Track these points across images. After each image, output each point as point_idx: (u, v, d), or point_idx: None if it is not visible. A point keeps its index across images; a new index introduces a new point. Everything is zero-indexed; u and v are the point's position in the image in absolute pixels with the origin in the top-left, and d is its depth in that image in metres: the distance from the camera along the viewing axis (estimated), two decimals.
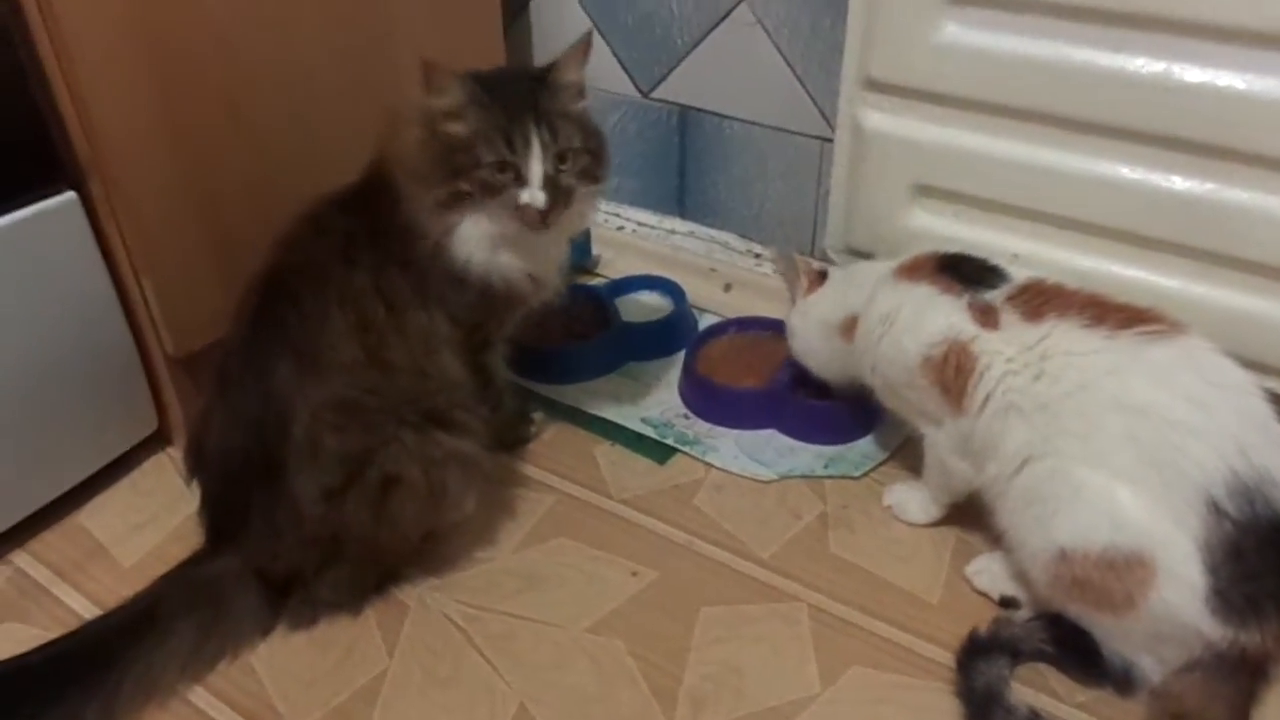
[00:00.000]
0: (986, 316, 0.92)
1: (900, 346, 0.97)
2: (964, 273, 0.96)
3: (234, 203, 1.10)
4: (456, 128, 0.92)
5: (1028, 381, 0.88)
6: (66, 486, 1.10)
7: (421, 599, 1.01)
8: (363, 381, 0.94)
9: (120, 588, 0.98)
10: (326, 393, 0.92)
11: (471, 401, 1.00)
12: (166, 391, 1.15)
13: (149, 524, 1.10)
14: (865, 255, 1.20)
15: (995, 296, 0.93)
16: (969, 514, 1.02)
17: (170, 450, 1.19)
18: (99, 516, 1.11)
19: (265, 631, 0.97)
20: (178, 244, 1.06)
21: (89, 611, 0.99)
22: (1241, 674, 0.83)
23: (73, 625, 0.94)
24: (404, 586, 1.02)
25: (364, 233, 0.97)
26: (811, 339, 1.12)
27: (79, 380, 1.06)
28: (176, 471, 1.16)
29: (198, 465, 0.99)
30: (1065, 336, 0.88)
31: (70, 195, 1.01)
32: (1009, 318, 0.91)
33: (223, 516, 0.98)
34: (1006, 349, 0.90)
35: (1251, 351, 0.97)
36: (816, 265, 1.14)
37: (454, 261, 0.96)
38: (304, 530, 0.93)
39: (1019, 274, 0.95)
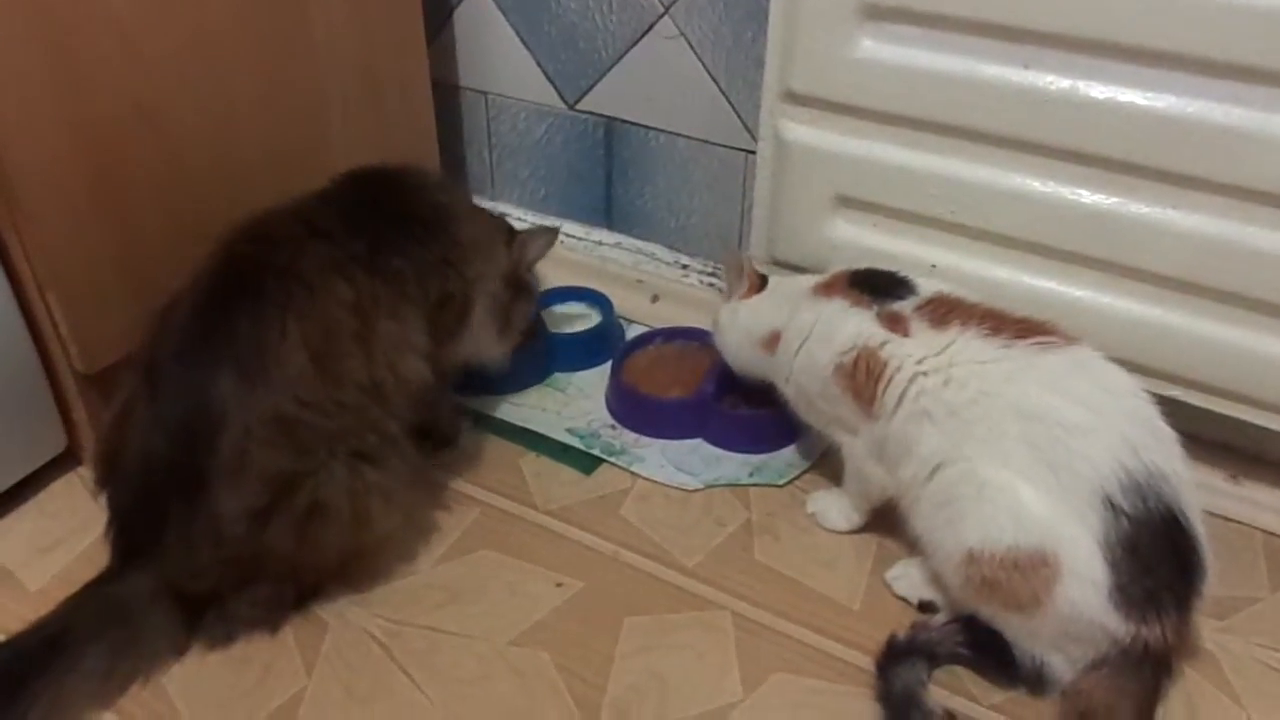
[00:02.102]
0: (895, 324, 0.95)
1: (814, 357, 0.99)
2: (874, 286, 0.99)
3: (147, 214, 1.07)
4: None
5: (938, 386, 0.91)
6: None
7: (341, 615, 0.99)
8: (306, 396, 0.91)
9: (26, 613, 0.93)
10: (266, 406, 0.90)
11: (403, 435, 0.99)
12: (75, 409, 1.11)
13: (57, 546, 1.06)
14: (789, 266, 1.21)
15: (904, 307, 0.96)
16: (890, 521, 1.04)
17: (80, 470, 1.15)
18: (3, 540, 1.07)
19: (180, 652, 0.94)
20: (85, 257, 1.03)
21: None
22: (1145, 669, 0.86)
23: None
24: (324, 603, 1.00)
25: (369, 254, 0.98)
26: (735, 341, 1.13)
27: None
28: (87, 492, 1.12)
29: (110, 471, 0.95)
30: (968, 345, 0.91)
31: None
32: (917, 325, 0.94)
33: (135, 530, 0.93)
34: (916, 351, 0.92)
35: (1151, 358, 1.02)
36: (760, 271, 1.15)
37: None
38: (223, 549, 0.91)
39: (926, 287, 0.98)
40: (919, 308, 0.95)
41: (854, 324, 0.96)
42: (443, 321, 1.06)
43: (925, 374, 0.91)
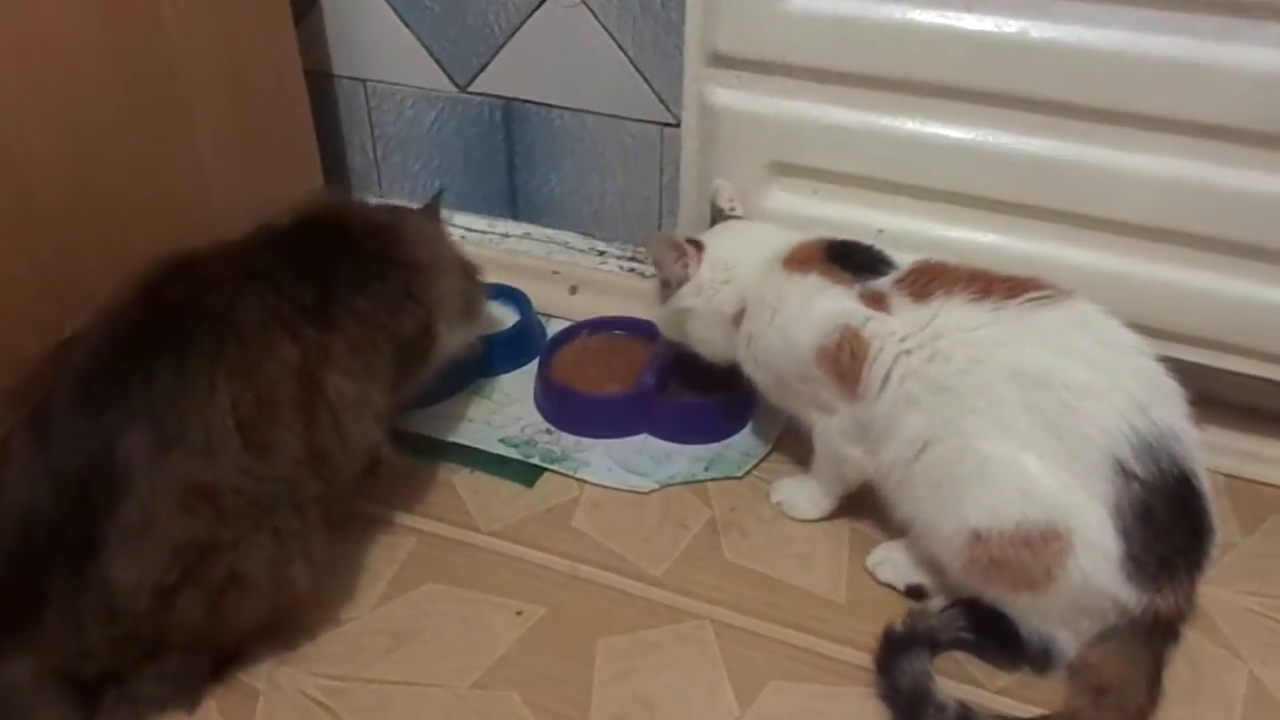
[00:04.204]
0: (877, 302, 0.88)
1: (791, 339, 0.92)
2: (853, 262, 0.92)
3: None
4: None
5: (922, 363, 0.85)
6: None
7: (272, 678, 0.87)
8: (230, 463, 0.80)
9: None
10: (181, 472, 0.78)
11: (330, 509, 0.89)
12: None
13: None
14: None
15: (884, 283, 0.89)
16: (860, 504, 0.98)
17: None
18: None
19: None
20: None
21: None
22: (1154, 637, 0.82)
23: None
24: (248, 667, 0.87)
25: (321, 304, 0.88)
26: (707, 329, 1.02)
27: None
28: None
29: None
30: (954, 313, 0.85)
31: None
32: (899, 301, 0.88)
33: (7, 603, 0.79)
34: (899, 330, 0.86)
35: (1113, 307, 0.98)
36: (688, 237, 1.03)
37: None
38: (117, 626, 0.77)
39: (906, 259, 0.92)
40: (899, 281, 0.89)
41: (834, 303, 0.89)
42: (407, 362, 0.97)
43: (909, 352, 0.85)
